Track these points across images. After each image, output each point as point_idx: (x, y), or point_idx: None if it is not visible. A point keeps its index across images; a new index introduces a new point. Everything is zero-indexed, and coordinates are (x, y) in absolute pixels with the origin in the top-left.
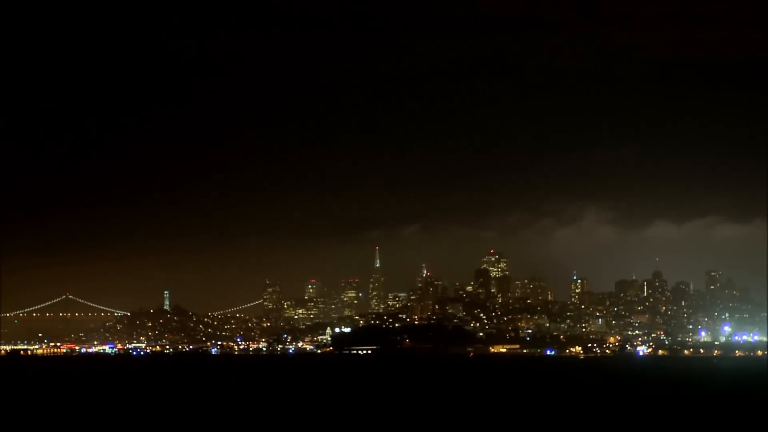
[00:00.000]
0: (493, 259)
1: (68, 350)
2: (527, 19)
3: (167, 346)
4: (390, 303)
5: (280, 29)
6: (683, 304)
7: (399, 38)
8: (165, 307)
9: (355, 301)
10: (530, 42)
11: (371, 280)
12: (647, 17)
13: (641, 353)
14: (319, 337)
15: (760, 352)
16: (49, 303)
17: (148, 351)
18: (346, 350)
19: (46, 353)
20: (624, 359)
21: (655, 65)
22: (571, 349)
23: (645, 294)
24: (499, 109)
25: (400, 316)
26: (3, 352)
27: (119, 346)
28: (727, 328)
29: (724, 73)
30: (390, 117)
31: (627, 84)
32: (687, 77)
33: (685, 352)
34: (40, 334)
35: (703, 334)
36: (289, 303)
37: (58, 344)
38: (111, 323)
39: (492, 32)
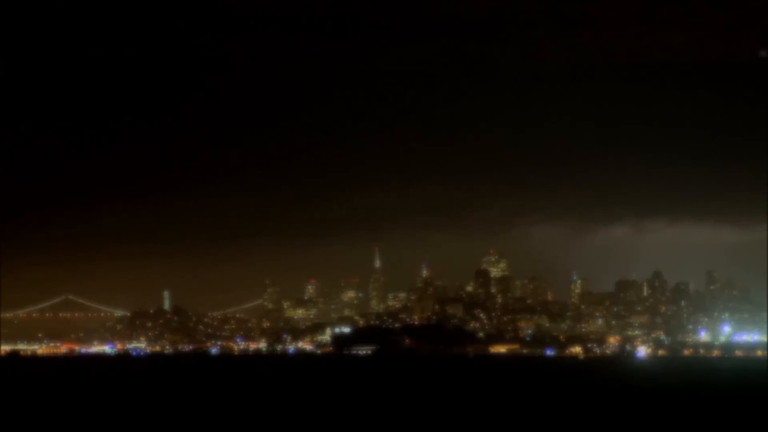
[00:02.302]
0: (493, 259)
1: (68, 350)
2: (492, 20)
3: (167, 346)
4: (390, 303)
5: (269, 30)
6: (683, 304)
7: (373, 41)
8: (165, 307)
9: (355, 301)
10: (496, 44)
11: (371, 280)
12: (614, 19)
13: (640, 354)
14: (319, 337)
15: (760, 352)
16: (49, 303)
17: (148, 351)
18: (346, 350)
19: (46, 353)
20: (622, 360)
21: (622, 67)
22: (571, 349)
23: (645, 294)
24: (498, 108)
25: (400, 316)
26: (3, 352)
27: (119, 346)
28: (727, 328)
29: (696, 74)
30: (387, 117)
31: (602, 85)
32: (656, 79)
33: (685, 352)
34: (40, 334)
35: (703, 334)
36: (289, 303)
37: (58, 344)
38: (111, 323)
39: (457, 34)
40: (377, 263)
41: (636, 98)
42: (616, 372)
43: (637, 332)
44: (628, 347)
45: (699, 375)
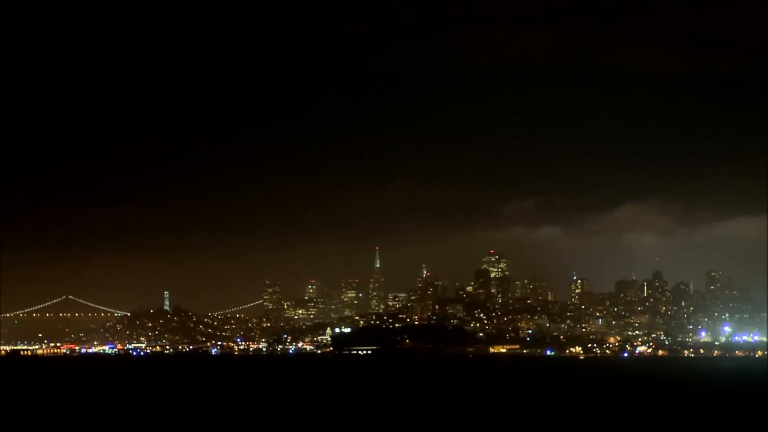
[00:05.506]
0: (493, 259)
1: (68, 350)
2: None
3: (167, 347)
4: (390, 303)
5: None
6: (683, 304)
7: (373, 40)
8: (165, 307)
9: (355, 302)
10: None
11: (371, 280)
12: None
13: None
14: (319, 338)
15: (760, 353)
16: (49, 303)
17: (148, 351)
18: (346, 350)
19: (47, 353)
20: (621, 359)
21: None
22: (571, 349)
23: (645, 294)
24: (497, 109)
25: (400, 316)
26: (3, 352)
27: (119, 346)
28: (727, 329)
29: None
30: (387, 118)
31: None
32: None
33: (685, 352)
34: (40, 335)
35: (703, 334)
36: (289, 303)
37: (58, 344)
38: (111, 323)
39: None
40: (377, 263)
41: (636, 98)
42: (615, 371)
43: (637, 332)
44: (628, 347)
45: (699, 374)
